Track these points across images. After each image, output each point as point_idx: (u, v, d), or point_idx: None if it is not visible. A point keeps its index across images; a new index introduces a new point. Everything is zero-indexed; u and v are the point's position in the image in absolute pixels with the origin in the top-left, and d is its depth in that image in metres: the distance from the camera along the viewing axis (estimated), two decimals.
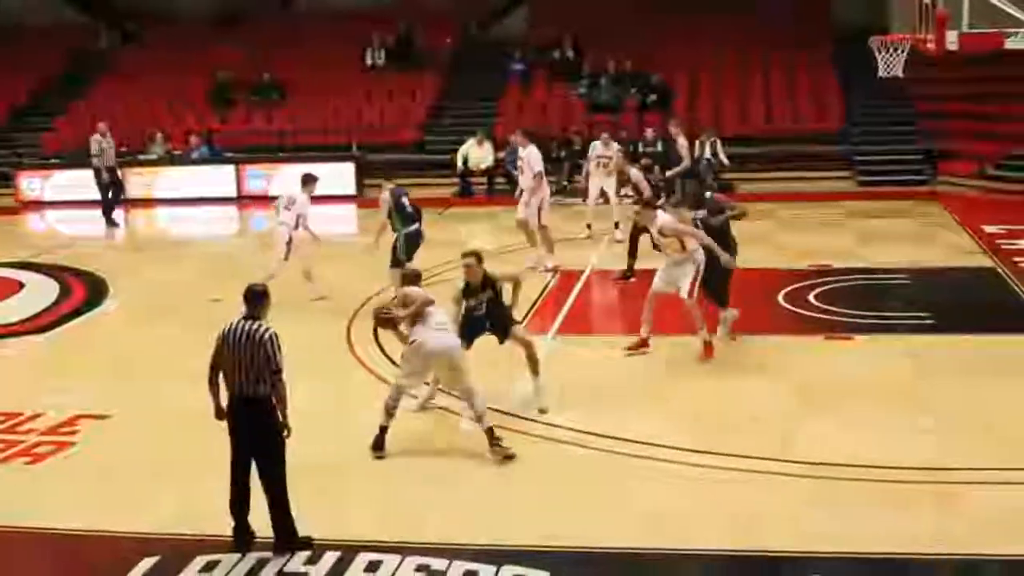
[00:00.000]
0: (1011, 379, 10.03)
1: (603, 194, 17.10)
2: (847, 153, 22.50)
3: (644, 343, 11.02)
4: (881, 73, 15.92)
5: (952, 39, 13.50)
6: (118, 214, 21.14)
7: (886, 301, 12.97)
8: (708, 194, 11.61)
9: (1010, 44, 13.24)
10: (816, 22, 25.31)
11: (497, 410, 9.00)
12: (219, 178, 23.17)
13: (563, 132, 22.73)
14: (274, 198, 14.82)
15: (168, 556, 7.03)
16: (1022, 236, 16.34)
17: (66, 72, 27.44)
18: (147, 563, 6.96)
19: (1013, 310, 12.64)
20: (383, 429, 8.56)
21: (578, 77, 24.80)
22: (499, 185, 21.68)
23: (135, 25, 28.81)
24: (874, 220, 18.34)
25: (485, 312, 9.34)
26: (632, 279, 14.03)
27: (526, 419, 9.20)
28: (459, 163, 21.99)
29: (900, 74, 15.85)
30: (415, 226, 12.83)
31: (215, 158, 23.61)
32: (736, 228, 11.50)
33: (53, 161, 23.86)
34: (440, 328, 8.54)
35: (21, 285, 15.52)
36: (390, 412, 8.58)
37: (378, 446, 8.55)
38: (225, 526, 7.08)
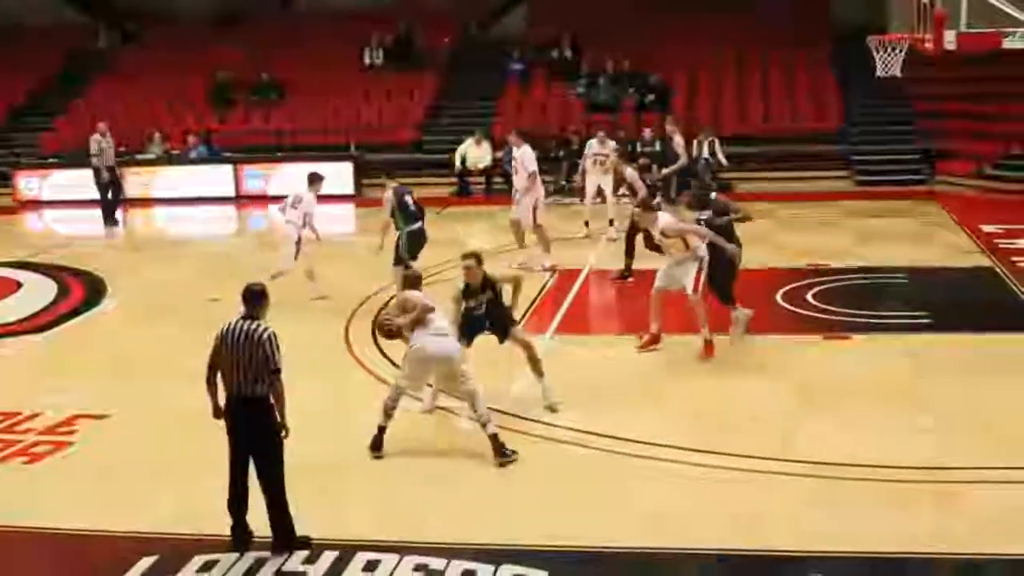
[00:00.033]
0: (1010, 378, 10.04)
1: (600, 192, 17.10)
2: (845, 153, 22.51)
3: (656, 339, 11.06)
4: (879, 73, 15.93)
5: (950, 39, 13.50)
6: (118, 214, 21.10)
7: (884, 300, 12.97)
8: (713, 195, 11.56)
9: (1008, 44, 13.23)
10: (815, 21, 25.32)
11: (497, 410, 8.99)
12: (217, 178, 23.16)
13: (561, 132, 22.73)
14: (273, 198, 14.83)
15: (167, 555, 7.02)
16: (1020, 235, 16.35)
17: (65, 72, 27.42)
18: (145, 562, 6.95)
19: (1011, 309, 12.64)
20: (381, 429, 8.55)
21: (576, 77, 24.80)
22: (497, 185, 21.68)
23: (134, 25, 28.79)
24: (872, 220, 18.34)
25: (485, 312, 9.33)
26: (630, 279, 14.02)
27: (526, 419, 9.19)
28: (457, 163, 22.00)
29: (898, 74, 15.86)
30: (418, 225, 12.83)
31: (213, 158, 23.61)
32: (737, 228, 11.50)
33: (51, 161, 23.85)
34: (440, 334, 8.51)
35: (19, 285, 15.50)
36: (388, 413, 8.57)
37: (376, 446, 8.54)
38: (223, 525, 7.07)
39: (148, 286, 15.33)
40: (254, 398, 6.90)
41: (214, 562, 6.92)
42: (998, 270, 14.31)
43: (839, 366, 10.63)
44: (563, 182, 21.14)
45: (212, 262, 16.89)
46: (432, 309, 8.56)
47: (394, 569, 6.77)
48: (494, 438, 8.37)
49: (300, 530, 7.03)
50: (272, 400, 6.92)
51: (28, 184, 23.52)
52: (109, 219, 20.62)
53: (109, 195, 20.76)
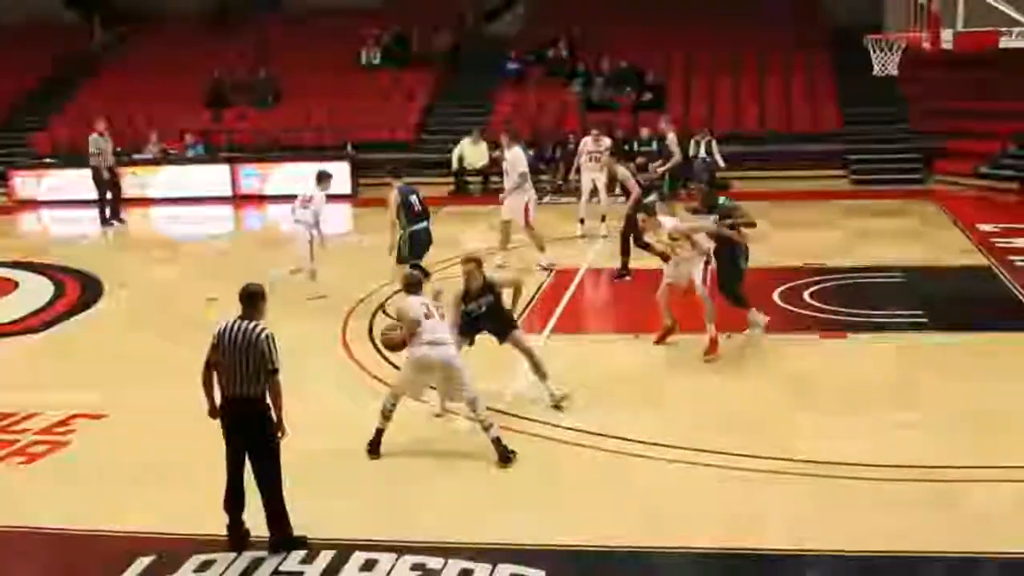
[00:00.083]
0: (1006, 377, 10.05)
1: (595, 191, 17.08)
2: (842, 152, 22.51)
3: (670, 330, 11.15)
4: (876, 72, 15.94)
5: (947, 38, 13.52)
6: (121, 213, 21.02)
7: (881, 300, 12.96)
8: (722, 200, 11.48)
9: (1004, 43, 13.25)
10: (811, 22, 25.33)
11: (497, 410, 8.99)
12: (214, 177, 23.12)
13: (564, 133, 22.69)
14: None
15: (163, 555, 7.02)
16: (1016, 234, 16.36)
17: (61, 72, 27.35)
18: (142, 562, 6.95)
19: (1008, 308, 12.64)
20: (379, 432, 8.54)
21: (573, 76, 24.79)
22: (494, 184, 21.62)
23: (130, 25, 28.73)
24: (869, 219, 18.34)
25: (485, 315, 9.31)
26: (627, 278, 14.02)
27: (526, 419, 9.19)
28: (454, 162, 21.99)
29: (895, 73, 15.86)
30: (423, 224, 12.81)
31: (210, 157, 23.57)
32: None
33: (47, 160, 23.79)
34: (438, 342, 8.44)
35: (16, 284, 15.47)
36: (387, 416, 8.56)
37: (374, 448, 8.53)
38: (220, 525, 7.07)
39: (145, 286, 15.29)
40: (251, 398, 6.90)
41: (211, 562, 6.92)
42: (994, 269, 14.32)
43: (835, 365, 10.64)
44: (560, 181, 21.12)
45: (209, 262, 16.87)
46: (420, 323, 8.41)
47: (391, 568, 6.77)
48: (496, 441, 8.35)
49: (297, 529, 7.03)
50: (269, 400, 6.92)
51: (24, 184, 23.41)
52: (108, 219, 20.54)
53: (108, 194, 20.69)
